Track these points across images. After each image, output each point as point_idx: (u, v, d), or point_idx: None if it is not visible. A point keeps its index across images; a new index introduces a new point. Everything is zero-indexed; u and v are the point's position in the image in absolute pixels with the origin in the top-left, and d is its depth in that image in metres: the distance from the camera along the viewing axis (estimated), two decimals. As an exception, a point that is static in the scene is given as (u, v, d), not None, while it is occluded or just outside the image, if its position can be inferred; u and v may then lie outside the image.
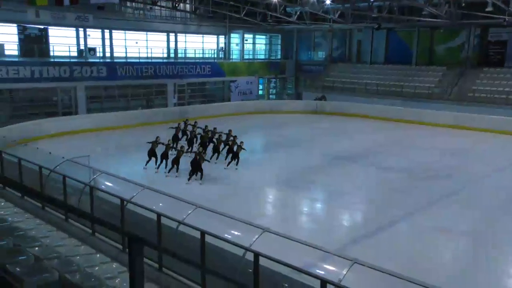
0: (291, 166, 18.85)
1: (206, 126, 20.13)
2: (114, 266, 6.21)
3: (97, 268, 6.02)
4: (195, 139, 20.06)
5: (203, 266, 6.35)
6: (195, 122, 21.45)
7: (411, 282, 7.97)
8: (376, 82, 35.93)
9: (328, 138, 25.70)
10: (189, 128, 21.35)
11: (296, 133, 27.01)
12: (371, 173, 18.45)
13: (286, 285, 6.84)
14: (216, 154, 18.41)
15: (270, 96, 43.43)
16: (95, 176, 11.10)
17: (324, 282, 5.40)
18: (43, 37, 29.24)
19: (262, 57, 44.18)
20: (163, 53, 35.89)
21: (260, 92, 42.17)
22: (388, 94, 34.22)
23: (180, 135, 20.59)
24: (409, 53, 37.51)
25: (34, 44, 28.72)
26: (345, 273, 6.42)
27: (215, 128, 20.07)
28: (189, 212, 8.87)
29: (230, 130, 19.04)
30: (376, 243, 11.02)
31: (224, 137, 19.19)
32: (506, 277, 10.21)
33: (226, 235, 8.50)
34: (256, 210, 13.28)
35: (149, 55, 34.47)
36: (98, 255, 6.75)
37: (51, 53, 29.38)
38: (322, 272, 7.09)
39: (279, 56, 44.84)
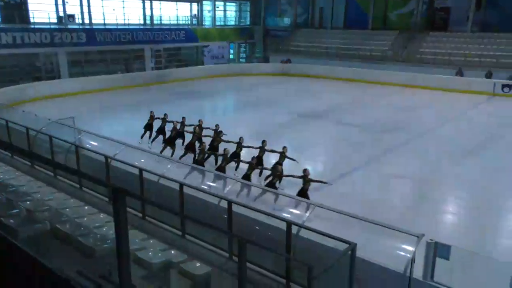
0: (261, 123, 18.86)
1: (217, 125, 14.15)
2: (101, 216, 6.17)
3: (85, 218, 5.96)
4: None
5: (182, 213, 6.40)
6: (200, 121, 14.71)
7: (366, 221, 8.30)
8: (336, 46, 35.81)
9: (294, 98, 25.70)
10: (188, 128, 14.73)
11: (264, 94, 26.89)
12: (334, 128, 18.71)
13: (257, 227, 6.98)
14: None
15: (241, 60, 42.74)
16: (79, 136, 10.84)
17: (289, 224, 5.54)
18: (22, 4, 27.48)
19: (233, 23, 43.12)
20: (139, 19, 34.47)
21: (231, 56, 41.42)
22: (347, 57, 34.23)
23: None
24: (366, 19, 37.30)
25: (14, 10, 26.99)
26: (308, 215, 6.62)
27: (220, 132, 13.70)
28: (169, 166, 8.86)
29: (241, 138, 12.87)
30: (337, 189, 11.32)
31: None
32: (442, 213, 10.75)
33: (202, 186, 8.58)
34: (231, 163, 13.33)
35: (126, 22, 33.02)
36: (86, 207, 6.67)
37: (31, 20, 27.72)
38: (288, 216, 7.28)
39: (248, 23, 43.89)
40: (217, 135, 13.42)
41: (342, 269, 4.77)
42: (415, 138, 17.12)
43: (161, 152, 13.16)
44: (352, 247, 4.39)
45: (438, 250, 5.98)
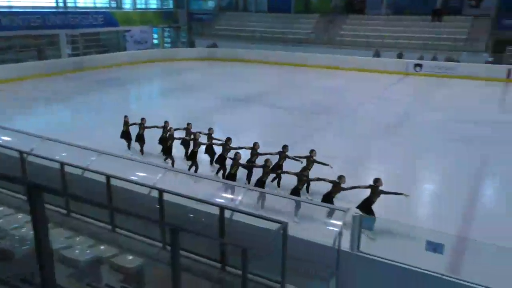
0: (190, 109, 18.57)
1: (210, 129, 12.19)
2: (19, 217, 5.72)
3: (1, 220, 5.50)
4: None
5: (110, 206, 6.15)
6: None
7: (297, 201, 8.58)
8: (261, 30, 36.07)
9: (223, 82, 25.59)
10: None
11: (192, 79, 26.45)
12: (265, 112, 18.96)
13: (192, 215, 6.92)
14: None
15: (165, 45, 41.44)
16: (-11, 131, 9.90)
17: (222, 209, 5.56)
18: None
19: (155, 6, 41.50)
20: (51, 1, 31.82)
21: (155, 41, 40.00)
22: (273, 40, 34.66)
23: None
24: (289, 2, 37.90)
25: None
26: (240, 198, 6.68)
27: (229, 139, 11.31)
28: (93, 158, 8.42)
29: (256, 144, 10.93)
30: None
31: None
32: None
33: (131, 176, 8.27)
34: (159, 149, 13.00)
35: (36, 4, 30.32)
36: (1, 208, 6.15)
37: None
38: (222, 200, 7.30)
39: (171, 6, 42.48)
40: (226, 142, 11.09)
41: (276, 249, 4.90)
42: (341, 118, 17.95)
43: (189, 169, 11.25)
44: (284, 226, 4.52)
45: (363, 222, 6.38)
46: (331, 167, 10.18)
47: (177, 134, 12.24)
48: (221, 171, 11.10)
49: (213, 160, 11.94)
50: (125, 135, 13.01)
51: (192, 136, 11.83)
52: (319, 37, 34.05)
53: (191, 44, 39.02)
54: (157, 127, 12.65)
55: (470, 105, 20.45)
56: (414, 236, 7.01)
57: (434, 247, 5.83)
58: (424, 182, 11.93)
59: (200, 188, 8.06)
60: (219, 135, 12.46)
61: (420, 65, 28.38)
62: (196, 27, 40.79)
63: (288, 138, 14.81)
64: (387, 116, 18.30)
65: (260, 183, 9.61)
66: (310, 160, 10.19)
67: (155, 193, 6.44)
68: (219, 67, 31.48)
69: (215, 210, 5.67)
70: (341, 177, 8.82)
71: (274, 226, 4.91)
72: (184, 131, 12.58)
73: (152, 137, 12.89)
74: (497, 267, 6.00)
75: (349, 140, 15.00)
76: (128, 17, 36.46)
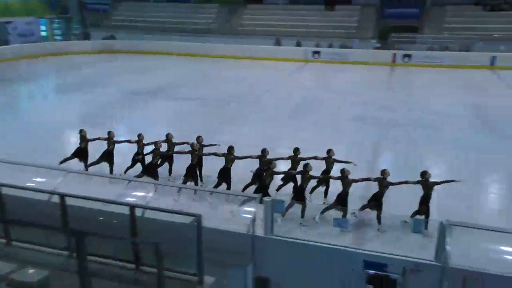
0: (90, 106, 17.42)
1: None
2: None
3: None
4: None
5: (3, 217, 5.56)
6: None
7: (211, 192, 8.56)
8: (161, 20, 35.02)
9: (124, 76, 24.38)
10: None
11: (89, 74, 24.80)
12: (172, 104, 18.49)
13: (101, 218, 6.56)
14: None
15: (56, 37, 38.15)
16: None
17: (132, 207, 5.35)
18: None
19: (39, -5, 37.85)
20: None
21: (44, 33, 36.62)
22: (174, 31, 33.86)
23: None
24: (188, -8, 37.33)
25: None
26: (151, 195, 6.49)
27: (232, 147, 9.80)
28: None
29: (265, 150, 9.46)
30: (180, 164, 11.24)
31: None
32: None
33: (28, 184, 7.55)
34: (61, 150, 12.02)
35: None
36: None
37: None
38: (133, 199, 7.01)
39: (58, -6, 39.11)
40: (229, 151, 9.45)
41: (191, 242, 4.86)
42: (250, 106, 18.24)
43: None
44: (198, 218, 4.50)
45: (274, 206, 6.62)
46: (355, 164, 9.21)
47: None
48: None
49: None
50: (82, 152, 10.52)
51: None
52: (220, 27, 34.10)
53: (86, 36, 36.49)
54: (130, 141, 10.48)
55: (361, 88, 22.13)
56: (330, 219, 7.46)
57: (339, 223, 6.29)
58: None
59: (110, 189, 7.65)
60: (127, 131, 11.85)
61: (318, 52, 29.94)
62: (91, 18, 38.21)
63: (200, 129, 14.68)
64: (293, 101, 19.05)
65: (300, 190, 8.35)
66: (330, 161, 9.25)
67: (56, 199, 5.97)
68: (119, 60, 29.95)
69: (126, 210, 5.44)
70: (343, 170, 8.24)
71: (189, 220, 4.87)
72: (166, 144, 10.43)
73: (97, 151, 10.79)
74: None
75: (263, 126, 15.32)
76: (8, 6, 32.87)
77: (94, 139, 10.54)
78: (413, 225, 6.06)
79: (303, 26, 32.28)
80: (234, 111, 17.46)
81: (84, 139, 10.57)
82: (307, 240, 6.25)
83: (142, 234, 5.54)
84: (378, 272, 5.76)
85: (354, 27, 31.58)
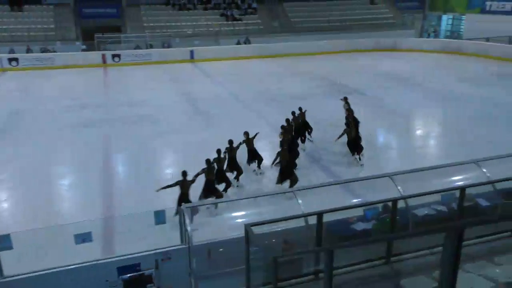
0: None
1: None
2: None
3: None
4: None
5: None
6: None
7: None
8: None
9: None
10: None
11: None
12: None
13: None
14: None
15: None
16: None
17: None
18: None
19: None
20: None
21: None
22: None
23: None
24: None
25: None
26: None
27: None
28: None
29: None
30: None
31: None
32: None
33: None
34: None
35: None
36: None
37: None
38: None
39: None
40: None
41: None
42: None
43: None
44: None
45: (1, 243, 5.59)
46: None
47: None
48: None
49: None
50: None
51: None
52: None
53: None
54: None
55: (75, 92, 20.98)
56: (62, 235, 6.84)
57: (83, 238, 5.92)
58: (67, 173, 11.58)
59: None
60: None
61: (16, 59, 26.39)
62: None
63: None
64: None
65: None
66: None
67: None
68: None
69: None
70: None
71: None
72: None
73: None
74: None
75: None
76: None
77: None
78: (155, 218, 6.29)
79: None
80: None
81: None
82: (44, 270, 5.58)
83: None
84: (133, 274, 5.76)
85: (52, 29, 29.32)
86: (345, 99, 13.97)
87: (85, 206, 9.71)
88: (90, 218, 7.88)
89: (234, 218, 6.61)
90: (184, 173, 8.52)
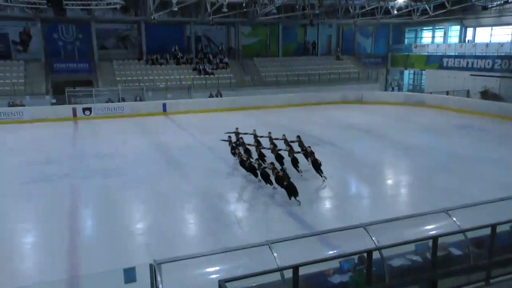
0: None
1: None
2: None
3: None
4: None
5: None
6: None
7: None
8: None
9: None
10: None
11: None
12: None
13: None
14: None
15: None
16: None
17: None
18: None
19: None
20: None
21: None
22: None
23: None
24: None
25: None
26: None
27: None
28: None
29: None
30: None
31: None
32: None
33: None
34: None
35: None
36: None
37: None
38: None
39: None
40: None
41: None
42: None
43: None
44: None
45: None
46: None
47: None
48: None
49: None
50: None
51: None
52: None
53: None
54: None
55: (43, 145, 20.48)
56: None
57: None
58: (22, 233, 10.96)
59: None
60: None
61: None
62: None
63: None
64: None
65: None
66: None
67: None
68: None
69: None
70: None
71: None
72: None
73: None
74: None
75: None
76: None
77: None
78: (124, 276, 5.97)
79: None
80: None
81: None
82: None
83: None
84: None
85: (22, 83, 29.04)
86: (298, 137, 16.39)
87: (47, 265, 9.15)
88: (53, 279, 7.41)
89: (207, 274, 6.37)
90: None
